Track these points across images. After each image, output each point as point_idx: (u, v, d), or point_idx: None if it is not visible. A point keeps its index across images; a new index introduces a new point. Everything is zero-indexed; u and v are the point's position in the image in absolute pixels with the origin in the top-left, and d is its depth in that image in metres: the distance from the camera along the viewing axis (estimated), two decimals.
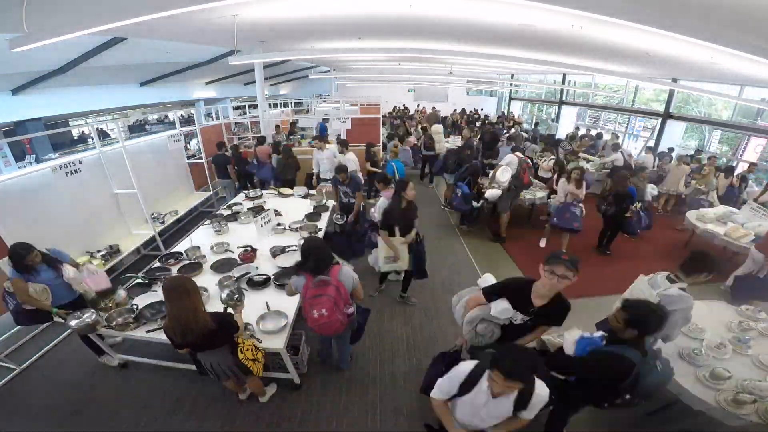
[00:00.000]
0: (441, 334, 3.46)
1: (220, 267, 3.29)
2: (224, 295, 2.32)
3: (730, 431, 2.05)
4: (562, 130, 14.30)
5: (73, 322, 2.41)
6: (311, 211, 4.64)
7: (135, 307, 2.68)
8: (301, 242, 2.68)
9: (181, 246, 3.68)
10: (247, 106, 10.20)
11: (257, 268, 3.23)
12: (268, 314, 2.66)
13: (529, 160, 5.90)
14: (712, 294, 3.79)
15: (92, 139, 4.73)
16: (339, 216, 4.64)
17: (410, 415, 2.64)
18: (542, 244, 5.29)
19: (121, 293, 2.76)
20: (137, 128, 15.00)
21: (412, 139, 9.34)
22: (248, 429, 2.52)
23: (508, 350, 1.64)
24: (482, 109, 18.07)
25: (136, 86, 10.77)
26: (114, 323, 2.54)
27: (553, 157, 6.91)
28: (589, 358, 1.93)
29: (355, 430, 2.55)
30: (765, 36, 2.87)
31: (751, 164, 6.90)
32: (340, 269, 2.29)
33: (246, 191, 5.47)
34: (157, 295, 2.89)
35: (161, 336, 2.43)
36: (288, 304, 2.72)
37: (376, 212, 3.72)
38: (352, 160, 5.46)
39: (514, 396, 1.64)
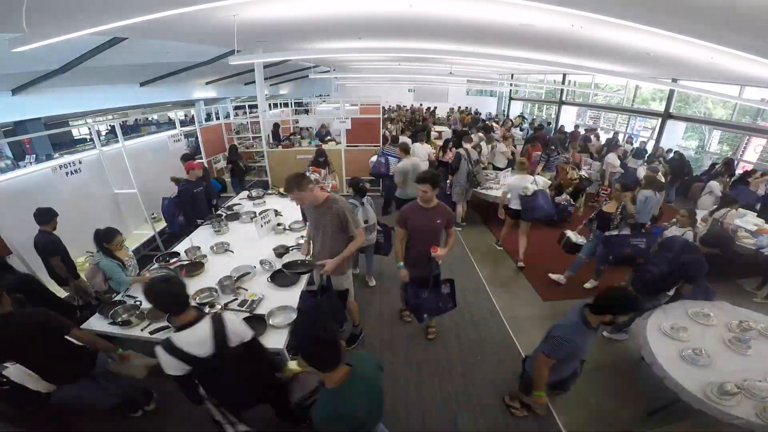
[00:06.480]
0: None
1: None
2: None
3: (729, 431, 2.05)
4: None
5: None
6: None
7: (138, 303, 2.70)
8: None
9: (181, 246, 3.68)
10: (247, 107, 10.21)
11: (255, 267, 3.22)
12: (277, 309, 2.64)
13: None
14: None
15: (90, 139, 4.71)
16: None
17: (410, 414, 2.64)
18: None
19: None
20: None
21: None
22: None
23: None
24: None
25: (136, 86, 10.77)
26: (119, 319, 2.53)
27: None
28: None
29: None
30: (763, 36, 2.87)
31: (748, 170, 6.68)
32: None
33: (248, 190, 5.45)
34: None
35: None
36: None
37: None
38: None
39: None
